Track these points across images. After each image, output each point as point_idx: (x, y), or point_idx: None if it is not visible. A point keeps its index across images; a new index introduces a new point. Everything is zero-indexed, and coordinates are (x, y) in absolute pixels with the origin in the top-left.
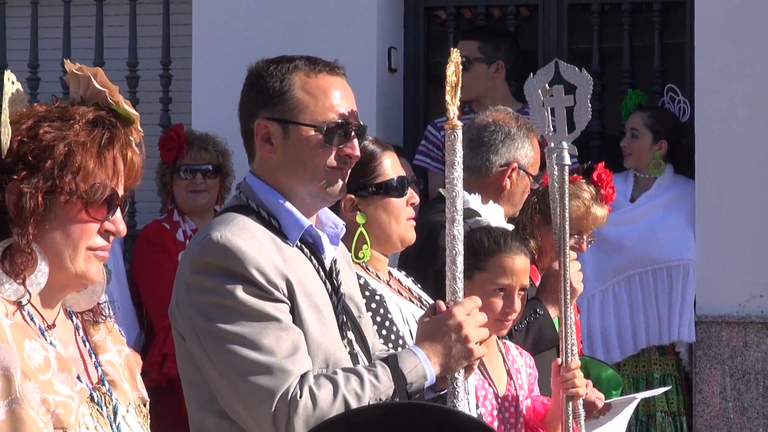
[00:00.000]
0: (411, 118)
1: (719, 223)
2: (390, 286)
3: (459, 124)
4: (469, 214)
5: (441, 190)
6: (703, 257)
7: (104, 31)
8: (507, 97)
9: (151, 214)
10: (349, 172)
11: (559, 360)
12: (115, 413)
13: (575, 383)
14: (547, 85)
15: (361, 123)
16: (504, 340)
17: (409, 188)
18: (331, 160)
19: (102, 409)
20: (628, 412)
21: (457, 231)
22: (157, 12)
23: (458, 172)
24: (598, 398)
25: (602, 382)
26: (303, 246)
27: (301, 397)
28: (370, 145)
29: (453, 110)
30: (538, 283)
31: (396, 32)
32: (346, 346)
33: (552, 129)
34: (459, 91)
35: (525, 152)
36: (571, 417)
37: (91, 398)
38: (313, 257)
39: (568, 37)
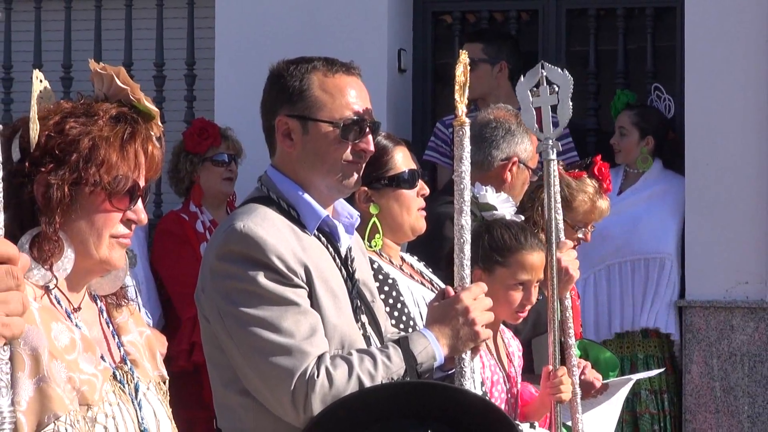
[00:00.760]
0: (419, 116)
1: (707, 214)
2: (402, 270)
3: (467, 121)
4: (486, 207)
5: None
6: (692, 246)
7: (133, 33)
8: (510, 96)
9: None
10: (363, 165)
11: (549, 367)
12: (136, 390)
13: (561, 389)
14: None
15: (375, 120)
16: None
17: (420, 180)
18: (347, 155)
19: (124, 386)
20: (624, 392)
21: (464, 221)
22: (182, 16)
23: (466, 166)
24: (596, 379)
25: (600, 364)
26: (320, 235)
27: (318, 376)
28: (382, 140)
29: (461, 108)
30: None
31: (405, 35)
32: (360, 329)
33: (539, 126)
34: (467, 90)
35: (524, 147)
36: (559, 417)
37: (114, 377)
38: (329, 245)
39: (567, 39)
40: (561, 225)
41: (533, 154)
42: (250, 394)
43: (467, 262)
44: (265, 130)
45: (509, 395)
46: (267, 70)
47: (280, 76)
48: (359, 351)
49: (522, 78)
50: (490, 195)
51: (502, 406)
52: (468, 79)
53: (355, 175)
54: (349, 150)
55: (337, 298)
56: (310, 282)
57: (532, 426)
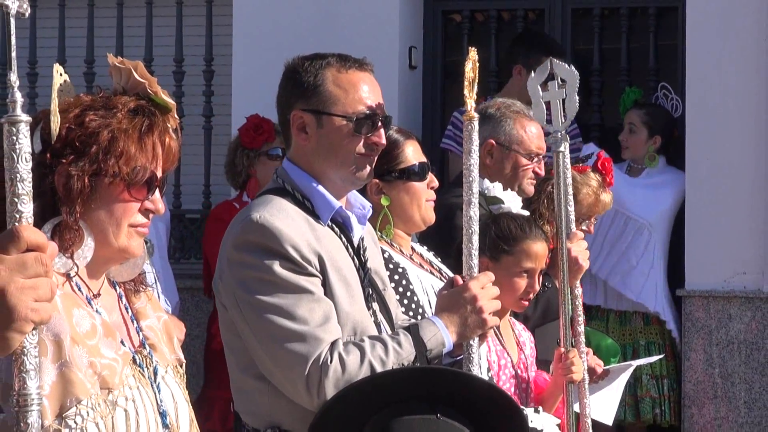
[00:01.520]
0: (429, 111)
1: (707, 206)
2: (412, 260)
3: (476, 115)
4: (493, 201)
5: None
6: (691, 237)
7: (153, 30)
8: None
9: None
10: (376, 158)
11: (561, 349)
12: (155, 374)
13: (572, 370)
14: (549, 79)
15: (387, 114)
16: (510, 317)
17: (430, 173)
18: (360, 148)
19: (143, 370)
20: (624, 377)
21: (473, 212)
22: (200, 14)
23: (474, 159)
24: (598, 365)
25: (602, 351)
26: (333, 225)
27: (331, 362)
28: (394, 134)
29: (470, 103)
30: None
31: (416, 33)
32: (371, 316)
33: (549, 120)
34: (476, 86)
35: (504, 130)
36: (571, 398)
37: (134, 361)
38: (342, 235)
39: (572, 38)
40: (572, 216)
41: (522, 137)
42: (265, 379)
43: (475, 252)
44: (280, 123)
45: (519, 381)
46: (282, 66)
47: (295, 72)
48: (371, 337)
49: (533, 74)
50: (497, 188)
51: (510, 390)
52: (477, 75)
53: (368, 168)
54: (361, 143)
55: (349, 286)
56: (323, 271)
57: (536, 411)
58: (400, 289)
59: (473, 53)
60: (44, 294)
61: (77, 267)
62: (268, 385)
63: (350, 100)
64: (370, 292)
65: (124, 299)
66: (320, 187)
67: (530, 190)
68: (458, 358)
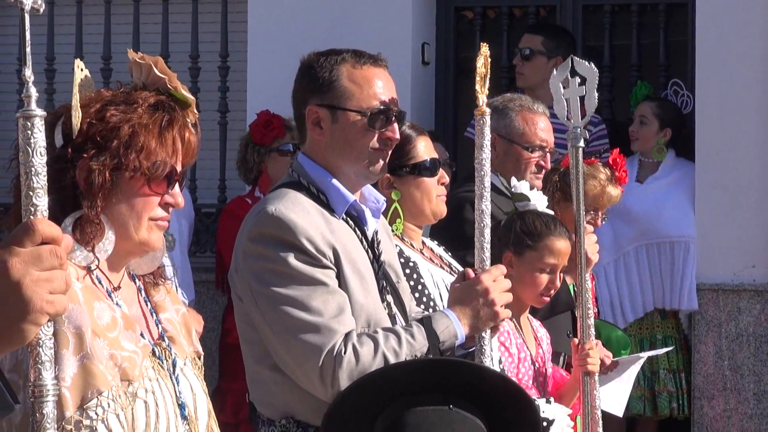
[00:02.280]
0: (442, 106)
1: (717, 202)
2: (423, 254)
3: (487, 110)
4: (520, 198)
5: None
6: (702, 232)
7: (169, 27)
8: None
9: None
10: (389, 152)
11: (576, 340)
12: (174, 366)
13: (588, 361)
14: (568, 77)
15: (401, 109)
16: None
17: (441, 169)
18: (374, 142)
19: (162, 362)
20: (634, 369)
21: (485, 206)
22: (216, 10)
23: (486, 154)
24: (607, 356)
25: (612, 342)
26: (348, 218)
27: (345, 353)
28: (406, 129)
29: (482, 98)
30: None
31: (429, 29)
32: (385, 308)
33: (568, 116)
34: (487, 82)
35: (506, 123)
36: (588, 389)
37: (153, 353)
38: (356, 229)
39: (582, 34)
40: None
41: (524, 130)
42: (280, 370)
43: (487, 246)
44: (295, 118)
45: (537, 374)
46: (296, 62)
47: (310, 68)
48: (384, 329)
49: (555, 71)
50: (522, 186)
51: (528, 383)
52: (489, 70)
53: (381, 162)
54: (375, 138)
55: (363, 278)
56: (338, 263)
57: (548, 401)
58: (411, 283)
59: (485, 49)
60: (59, 286)
61: (98, 260)
62: (283, 376)
63: (365, 96)
64: (384, 284)
65: (143, 292)
66: (335, 181)
67: (536, 183)
68: (470, 349)
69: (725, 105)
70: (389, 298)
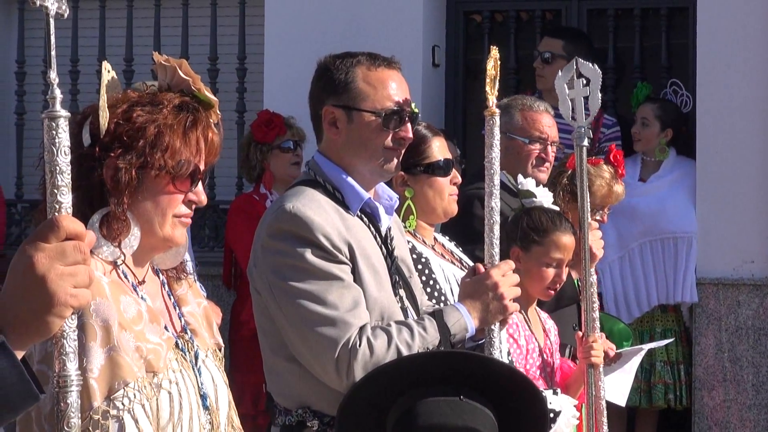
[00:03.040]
0: (451, 107)
1: (717, 199)
2: (434, 250)
3: (497, 111)
4: (526, 195)
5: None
6: (702, 228)
7: (189, 30)
8: None
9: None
10: (403, 152)
11: (580, 333)
12: (196, 358)
13: (593, 353)
14: (574, 78)
15: (415, 110)
16: (535, 306)
17: (453, 169)
18: (388, 142)
19: (185, 354)
20: (636, 360)
21: (494, 203)
22: (234, 14)
23: (495, 153)
24: (610, 348)
25: (614, 335)
26: (362, 215)
27: (360, 345)
28: (422, 129)
29: (492, 99)
30: None
31: (439, 32)
32: (398, 302)
33: (573, 116)
34: (497, 83)
35: (506, 120)
36: (592, 380)
37: (176, 345)
38: (371, 225)
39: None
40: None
41: (522, 124)
42: (296, 361)
43: (497, 241)
44: (312, 118)
45: (545, 365)
46: (312, 64)
47: (327, 69)
48: (397, 322)
49: (560, 73)
50: (530, 184)
51: (536, 373)
52: (498, 72)
53: (395, 161)
54: (389, 138)
55: (377, 273)
56: (353, 259)
57: (555, 392)
58: (423, 278)
59: (495, 51)
60: (82, 280)
61: (124, 255)
62: (299, 367)
63: (379, 97)
64: (397, 279)
65: (166, 286)
66: (350, 179)
67: (541, 177)
68: (480, 342)
69: (725, 106)
70: (402, 292)
